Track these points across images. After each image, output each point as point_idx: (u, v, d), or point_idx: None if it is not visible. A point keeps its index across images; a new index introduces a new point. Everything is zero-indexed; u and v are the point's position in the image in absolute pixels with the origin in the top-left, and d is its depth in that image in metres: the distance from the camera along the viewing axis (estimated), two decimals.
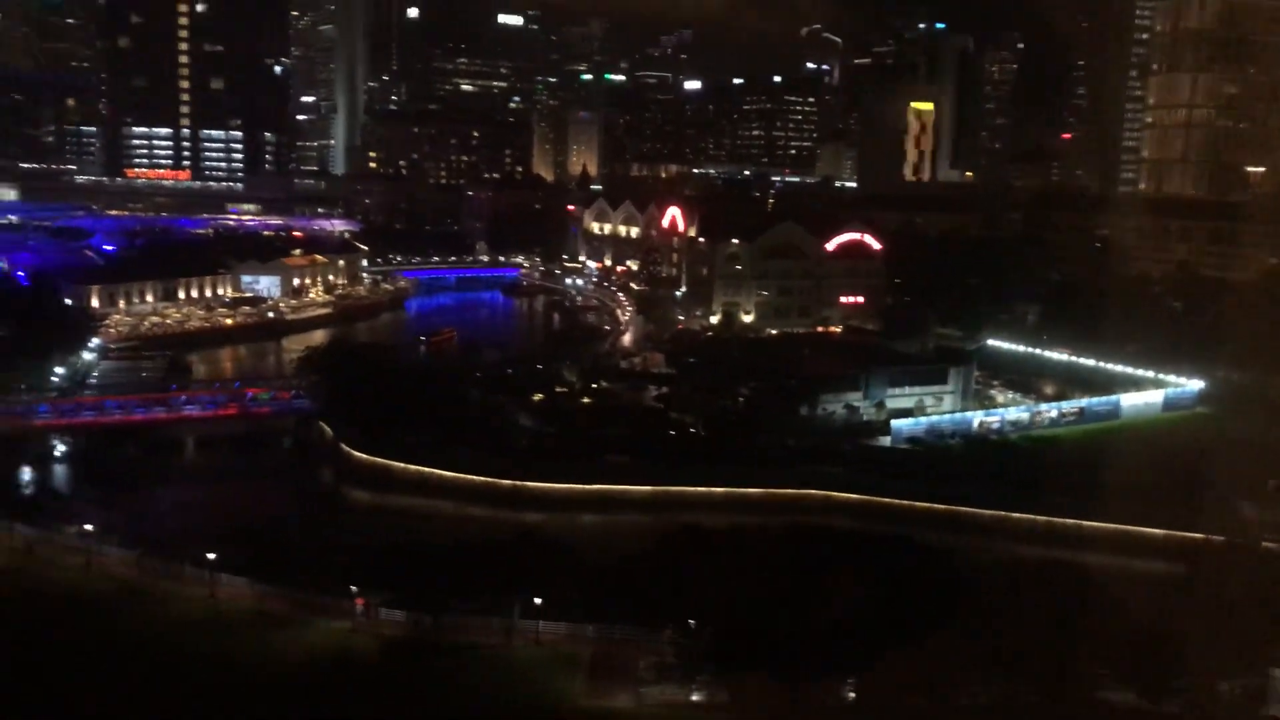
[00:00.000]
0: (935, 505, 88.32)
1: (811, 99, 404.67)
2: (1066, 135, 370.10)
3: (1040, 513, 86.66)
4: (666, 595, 61.14)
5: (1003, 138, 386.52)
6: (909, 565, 65.13)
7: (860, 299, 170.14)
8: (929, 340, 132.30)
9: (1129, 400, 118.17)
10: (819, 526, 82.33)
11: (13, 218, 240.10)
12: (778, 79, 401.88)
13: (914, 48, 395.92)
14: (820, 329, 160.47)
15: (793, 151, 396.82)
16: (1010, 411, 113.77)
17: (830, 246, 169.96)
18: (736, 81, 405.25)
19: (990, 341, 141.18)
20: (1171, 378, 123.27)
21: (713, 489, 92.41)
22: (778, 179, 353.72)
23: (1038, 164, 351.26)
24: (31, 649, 60.93)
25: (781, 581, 60.85)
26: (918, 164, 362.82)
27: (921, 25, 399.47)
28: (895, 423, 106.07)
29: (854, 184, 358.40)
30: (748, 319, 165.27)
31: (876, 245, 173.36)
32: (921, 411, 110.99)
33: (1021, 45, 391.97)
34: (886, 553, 68.77)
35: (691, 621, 59.29)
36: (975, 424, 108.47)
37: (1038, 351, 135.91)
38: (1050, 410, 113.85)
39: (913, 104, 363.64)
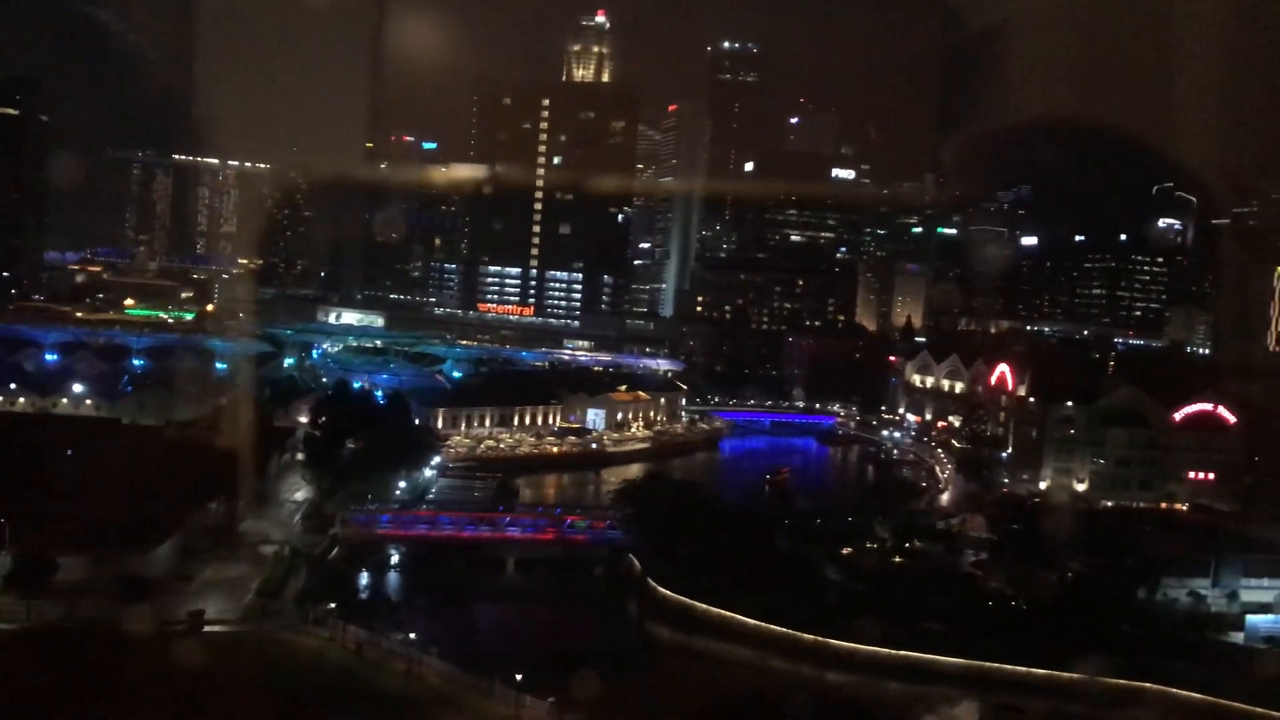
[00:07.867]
0: None
1: (1161, 259, 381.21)
2: None
3: None
4: None
5: None
6: None
7: (1211, 476, 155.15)
8: None
9: None
10: None
11: (378, 342, 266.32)
12: (1124, 237, 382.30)
13: None
14: (1163, 505, 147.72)
15: (1138, 313, 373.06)
16: None
17: (1178, 416, 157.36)
18: (1078, 239, 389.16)
19: None
20: None
21: (1033, 669, 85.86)
22: (1120, 341, 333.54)
23: None
24: None
25: None
26: None
27: None
28: (1251, 618, 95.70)
29: (1208, 351, 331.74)
30: (1080, 488, 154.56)
31: (1232, 418, 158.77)
32: None
33: None
34: None
35: None
36: None
37: None
38: None
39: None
